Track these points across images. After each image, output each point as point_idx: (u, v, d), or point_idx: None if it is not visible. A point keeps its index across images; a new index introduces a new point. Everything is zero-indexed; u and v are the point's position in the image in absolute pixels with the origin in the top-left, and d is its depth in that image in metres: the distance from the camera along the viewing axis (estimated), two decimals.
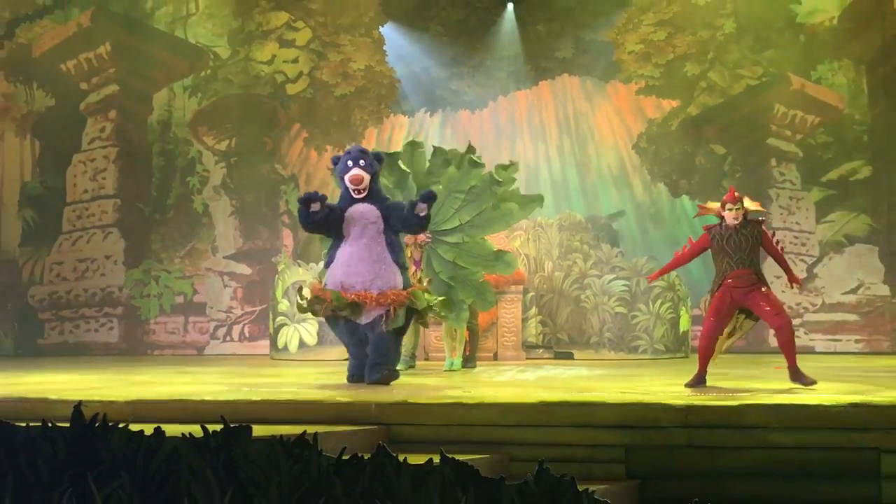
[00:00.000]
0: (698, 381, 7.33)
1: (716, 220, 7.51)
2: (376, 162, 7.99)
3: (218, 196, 15.65)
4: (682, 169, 14.76)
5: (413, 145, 9.40)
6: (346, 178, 7.81)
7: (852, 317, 13.89)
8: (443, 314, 8.49)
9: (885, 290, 13.87)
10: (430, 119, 15.46)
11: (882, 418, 5.66)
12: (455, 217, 8.98)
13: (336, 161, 8.04)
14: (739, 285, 7.29)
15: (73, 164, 15.97)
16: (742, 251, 7.30)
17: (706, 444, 5.73)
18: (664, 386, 7.49)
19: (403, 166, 9.04)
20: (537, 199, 9.54)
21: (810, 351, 13.23)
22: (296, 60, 15.66)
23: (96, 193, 15.83)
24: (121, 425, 4.42)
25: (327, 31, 15.61)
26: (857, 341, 13.79)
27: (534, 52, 15.15)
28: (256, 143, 15.62)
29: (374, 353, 7.71)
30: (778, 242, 7.68)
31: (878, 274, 13.93)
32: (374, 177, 7.95)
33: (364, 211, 7.80)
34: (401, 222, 7.83)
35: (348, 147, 8.43)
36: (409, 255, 8.92)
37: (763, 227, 7.45)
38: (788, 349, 7.24)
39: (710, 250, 7.53)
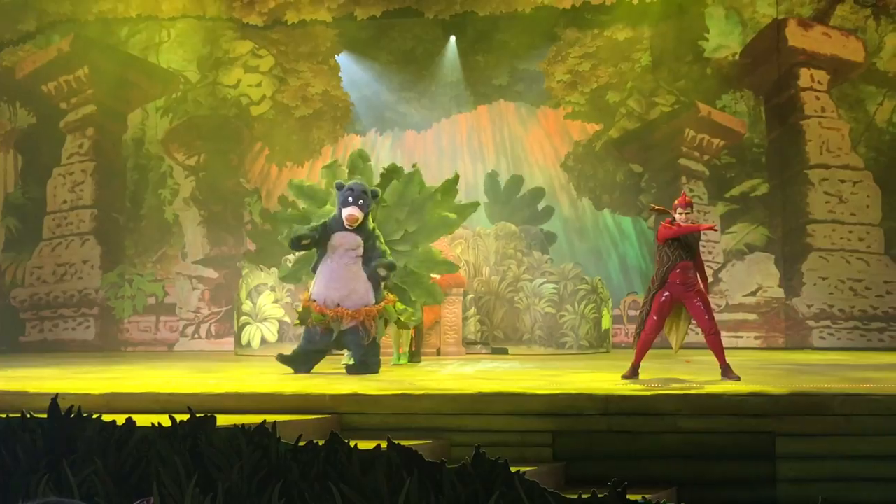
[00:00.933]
0: (633, 374, 7.34)
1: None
2: (372, 201, 8.17)
3: (187, 207, 15.41)
4: (604, 185, 14.87)
5: (360, 155, 9.47)
6: (344, 213, 8.05)
7: (752, 316, 14.10)
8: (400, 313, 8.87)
9: (780, 293, 14.11)
10: (380, 138, 15.41)
11: (777, 406, 5.77)
12: (401, 227, 9.06)
13: (340, 187, 8.28)
14: (681, 280, 7.28)
15: (53, 177, 15.62)
16: (689, 245, 7.39)
17: (624, 429, 5.78)
18: (588, 378, 7.54)
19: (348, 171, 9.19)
20: (473, 206, 9.67)
21: None
22: (259, 85, 15.51)
23: (74, 204, 15.50)
24: (95, 416, 4.34)
25: (288, 58, 15.48)
26: (756, 338, 14.00)
27: (473, 80, 15.16)
28: (223, 159, 15.42)
29: (357, 354, 8.22)
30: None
31: (774, 278, 14.17)
32: (367, 214, 8.17)
33: (350, 239, 8.15)
34: (368, 264, 8.19)
35: (353, 181, 8.51)
36: None
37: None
38: (718, 350, 7.29)
39: (658, 244, 7.48)
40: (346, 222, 8.10)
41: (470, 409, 5.91)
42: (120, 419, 4.28)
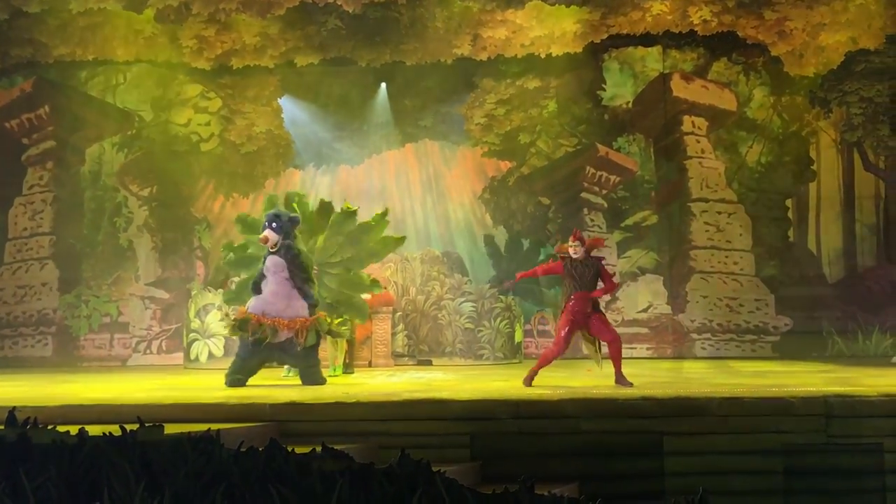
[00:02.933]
0: (529, 381, 7.45)
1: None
2: (289, 224, 8.09)
3: (141, 234, 15.03)
4: (516, 216, 15.02)
5: (298, 196, 9.54)
6: (260, 237, 7.95)
7: (644, 330, 14.37)
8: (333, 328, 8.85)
9: (667, 310, 14.42)
10: (318, 172, 15.31)
11: (664, 409, 5.88)
12: (338, 254, 9.17)
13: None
14: (580, 308, 7.44)
15: (15, 206, 15.06)
16: (584, 278, 7.50)
17: (533, 431, 5.82)
18: (502, 386, 7.58)
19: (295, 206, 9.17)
20: (400, 239, 9.73)
21: None
22: (208, 124, 15.26)
23: (34, 231, 14.97)
24: (50, 427, 4.18)
25: (235, 100, 15.28)
26: (647, 349, 14.27)
27: (401, 121, 15.19)
28: (174, 190, 15.10)
29: (300, 364, 8.10)
30: (614, 275, 7.99)
31: (663, 297, 14.48)
32: (286, 235, 8.04)
33: (276, 262, 8.10)
34: (296, 284, 8.13)
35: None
36: None
37: (601, 264, 7.69)
38: (616, 359, 7.44)
39: (561, 276, 7.69)
40: (261, 243, 8.16)
41: (396, 414, 5.88)
42: (74, 429, 4.13)
